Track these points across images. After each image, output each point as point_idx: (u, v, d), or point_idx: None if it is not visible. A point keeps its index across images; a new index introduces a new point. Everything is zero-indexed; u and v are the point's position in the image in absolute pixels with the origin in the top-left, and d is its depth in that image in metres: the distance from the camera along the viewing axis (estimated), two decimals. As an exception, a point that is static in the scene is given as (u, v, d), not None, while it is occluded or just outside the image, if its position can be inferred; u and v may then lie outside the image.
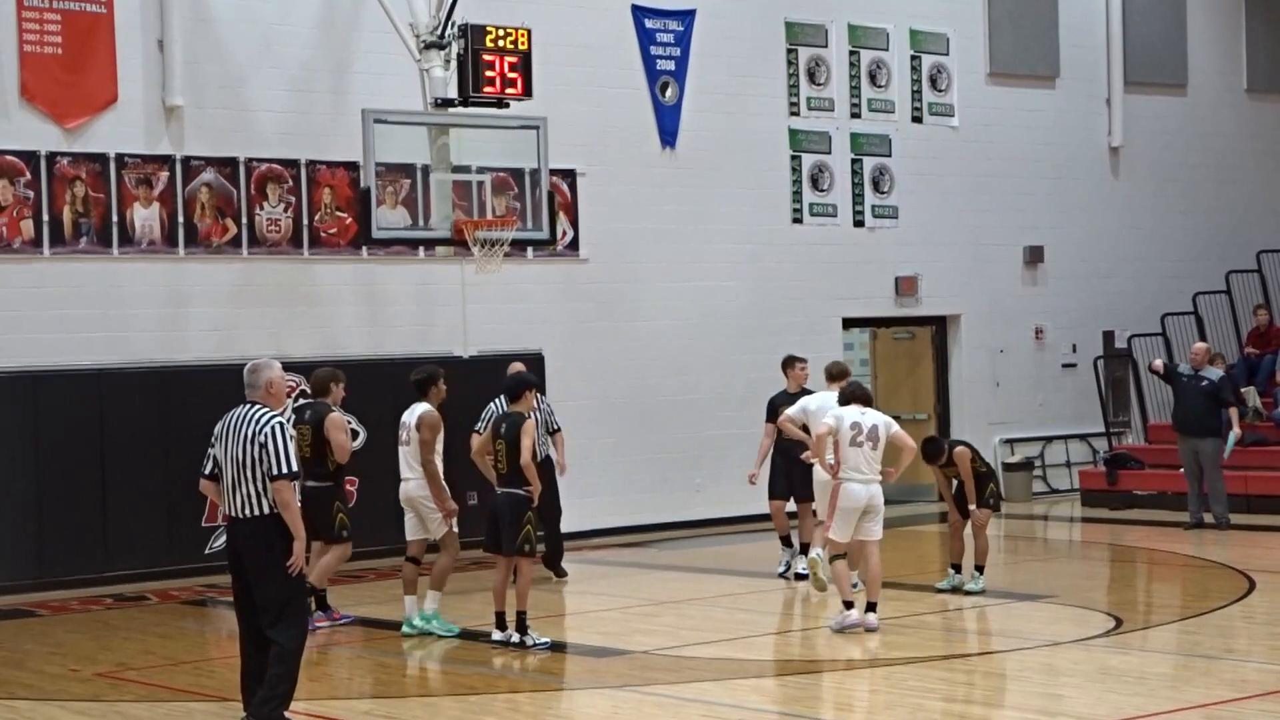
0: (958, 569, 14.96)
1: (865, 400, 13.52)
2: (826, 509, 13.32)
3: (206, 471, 9.85)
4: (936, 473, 15.07)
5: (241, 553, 9.66)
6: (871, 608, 13.14)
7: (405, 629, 13.50)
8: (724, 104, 21.35)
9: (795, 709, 10.87)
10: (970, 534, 14.88)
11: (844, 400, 13.48)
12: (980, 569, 14.85)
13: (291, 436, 9.76)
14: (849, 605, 13.02)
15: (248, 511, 9.57)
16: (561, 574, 16.53)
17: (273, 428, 9.52)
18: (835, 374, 14.94)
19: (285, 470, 9.49)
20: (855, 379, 14.76)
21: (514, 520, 12.67)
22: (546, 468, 15.40)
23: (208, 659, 13.17)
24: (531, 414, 13.18)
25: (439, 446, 13.54)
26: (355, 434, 18.24)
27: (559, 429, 16.20)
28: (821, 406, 14.35)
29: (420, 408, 13.64)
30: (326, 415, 13.67)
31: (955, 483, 14.93)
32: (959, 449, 14.86)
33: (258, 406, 9.67)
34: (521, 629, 12.76)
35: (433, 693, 11.85)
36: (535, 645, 12.68)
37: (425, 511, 13.50)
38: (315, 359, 17.99)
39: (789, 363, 16.29)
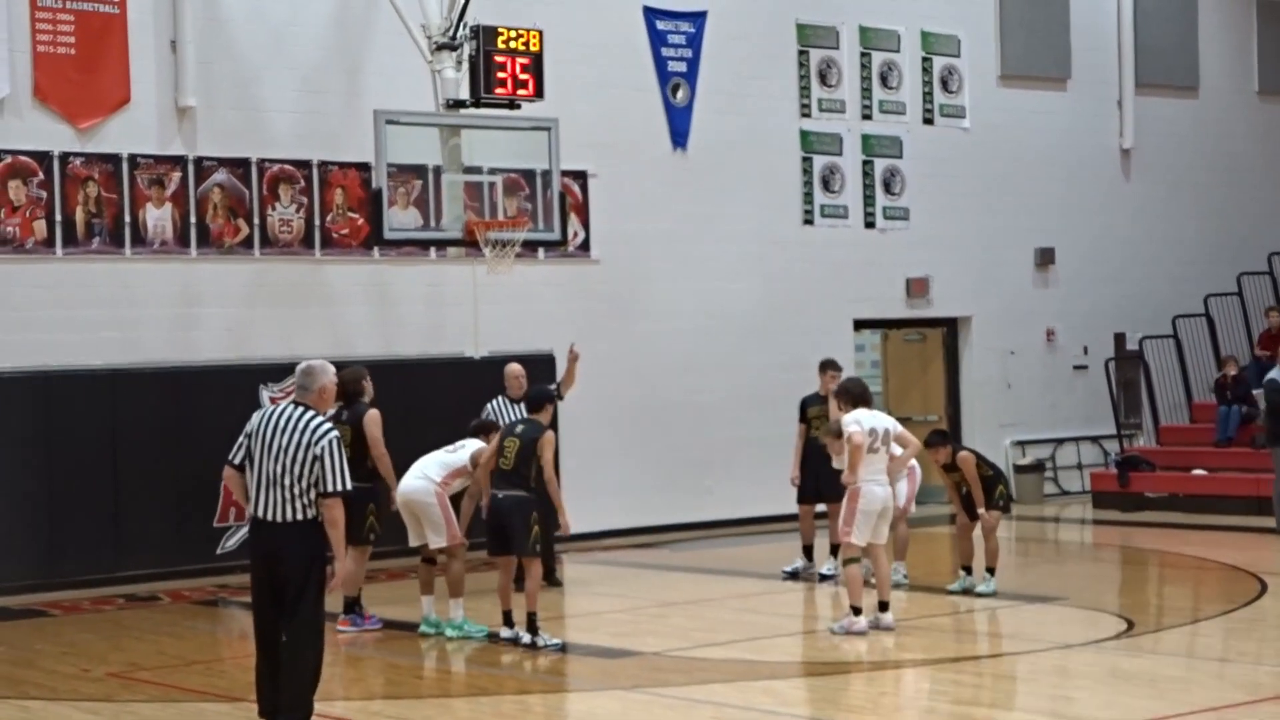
0: (969, 571, 14.95)
1: (870, 402, 13.56)
2: (845, 514, 13.24)
3: (236, 461, 9.45)
4: (943, 476, 15.06)
5: (282, 558, 9.26)
6: (884, 607, 13.15)
7: (423, 628, 13.51)
8: (735, 105, 21.35)
9: (806, 710, 10.87)
10: (980, 536, 14.88)
11: (854, 402, 13.41)
12: (991, 571, 14.84)
13: (345, 450, 9.53)
14: (857, 611, 12.98)
15: (288, 516, 9.22)
16: (556, 583, 16.30)
17: (331, 440, 9.20)
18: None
19: (340, 488, 9.19)
20: (855, 377, 14.58)
21: (523, 521, 12.75)
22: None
23: (219, 659, 13.19)
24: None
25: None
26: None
27: (557, 386, 16.12)
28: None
29: (478, 444, 13.61)
30: (365, 414, 13.69)
31: (964, 487, 14.91)
32: (963, 454, 14.87)
33: (311, 411, 9.34)
34: (533, 629, 12.78)
35: (443, 693, 11.86)
36: (546, 646, 12.69)
37: (424, 517, 13.40)
38: (327, 359, 18.03)
39: (823, 368, 16.37)
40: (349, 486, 9.31)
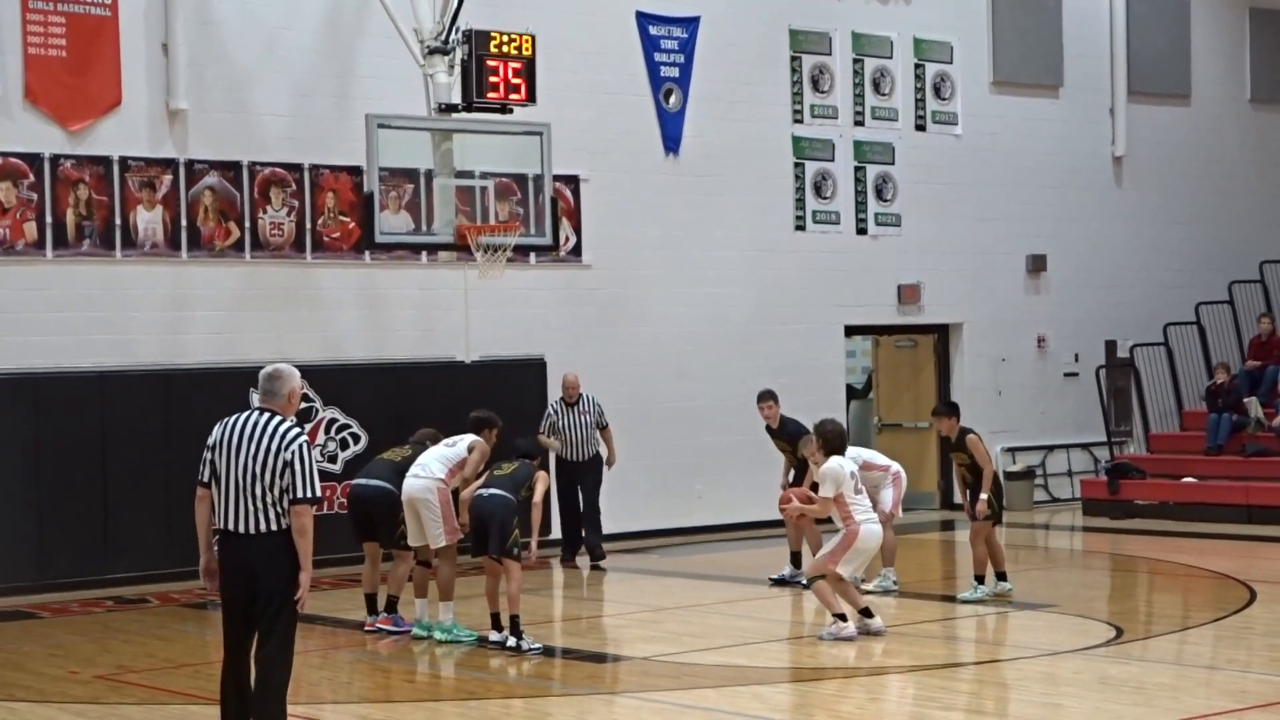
0: (1002, 577, 14.99)
1: (844, 448, 13.46)
2: (836, 548, 13.11)
3: (206, 479, 8.93)
4: (954, 457, 15.22)
5: (259, 572, 8.76)
6: (868, 612, 13.13)
7: (416, 631, 13.53)
8: (727, 111, 21.36)
9: (795, 716, 10.87)
10: (983, 540, 14.93)
11: (835, 447, 13.29)
12: (979, 579, 14.85)
13: (317, 457, 9.20)
14: (842, 617, 12.98)
15: (261, 527, 8.72)
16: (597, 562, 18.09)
17: (301, 445, 8.75)
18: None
19: (310, 494, 8.73)
20: (831, 419, 13.91)
21: (501, 522, 12.80)
22: (595, 463, 18.20)
23: (208, 662, 13.13)
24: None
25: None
26: (358, 438, 18.29)
27: (607, 425, 18.27)
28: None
29: (474, 437, 13.75)
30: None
31: (967, 477, 14.97)
32: (971, 436, 14.88)
33: (278, 417, 8.87)
34: (516, 632, 12.81)
35: (431, 697, 11.84)
36: (529, 649, 12.72)
37: (425, 515, 13.41)
38: (317, 363, 18.02)
39: (761, 399, 16.74)
40: (319, 493, 8.88)
